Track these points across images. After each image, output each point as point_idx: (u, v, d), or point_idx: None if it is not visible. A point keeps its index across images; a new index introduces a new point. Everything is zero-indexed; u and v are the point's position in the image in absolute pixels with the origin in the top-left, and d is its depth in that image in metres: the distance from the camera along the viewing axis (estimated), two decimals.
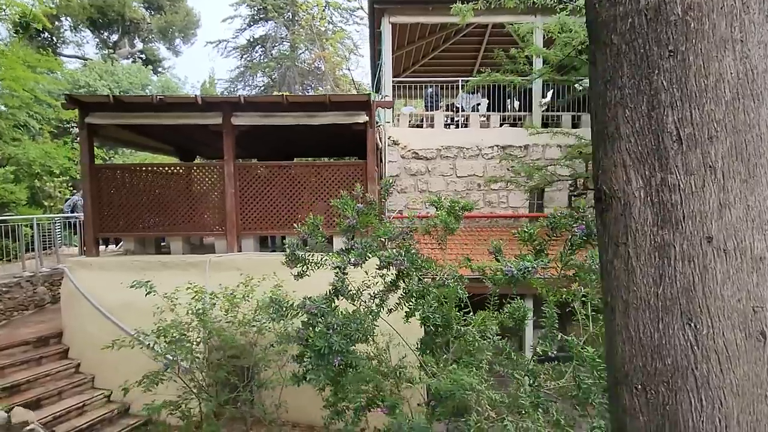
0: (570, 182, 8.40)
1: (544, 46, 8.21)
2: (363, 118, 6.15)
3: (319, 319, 1.97)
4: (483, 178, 8.49)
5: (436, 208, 3.84)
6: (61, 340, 6.03)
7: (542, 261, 2.13)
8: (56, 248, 8.20)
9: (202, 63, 44.04)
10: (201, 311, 4.24)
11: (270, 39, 21.71)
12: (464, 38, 12.61)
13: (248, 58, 22.60)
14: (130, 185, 6.37)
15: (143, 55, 23.96)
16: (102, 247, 6.93)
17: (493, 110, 9.03)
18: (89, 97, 5.99)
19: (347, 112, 6.14)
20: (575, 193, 8.54)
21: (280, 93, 21.00)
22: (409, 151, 8.48)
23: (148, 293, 4.25)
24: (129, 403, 5.53)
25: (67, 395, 5.29)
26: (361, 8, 23.07)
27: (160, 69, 23.63)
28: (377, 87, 13.43)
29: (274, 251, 7.10)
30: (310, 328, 1.94)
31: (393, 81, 8.64)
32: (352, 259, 2.51)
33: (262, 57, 22.47)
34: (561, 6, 6.02)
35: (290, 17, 22.53)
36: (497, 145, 8.49)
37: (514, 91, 8.93)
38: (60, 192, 11.13)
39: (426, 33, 11.56)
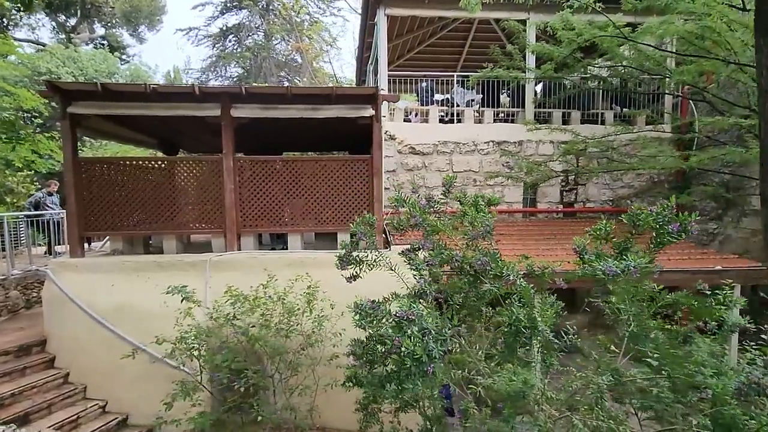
0: (561, 178, 8.61)
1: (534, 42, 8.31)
2: (369, 111, 6.00)
3: (411, 325, 1.86)
4: (479, 173, 8.55)
5: (461, 203, 3.77)
6: (45, 348, 5.57)
7: (638, 260, 2.12)
8: (29, 249, 7.56)
9: (171, 51, 41.90)
10: (232, 316, 3.92)
11: (244, 28, 20.91)
12: (450, 33, 12.63)
13: (221, 48, 21.68)
14: (119, 180, 5.93)
15: (105, 42, 22.51)
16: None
17: (486, 106, 9.10)
18: (74, 85, 5.51)
19: (353, 106, 5.97)
20: (566, 189, 8.76)
21: (280, 84, 20.36)
22: (406, 146, 8.40)
23: (185, 298, 3.92)
24: (127, 413, 5.19)
25: (57, 408, 4.89)
26: None
27: (123, 57, 22.27)
28: (365, 80, 13.24)
29: (273, 249, 6.85)
30: (404, 335, 1.82)
31: (388, 74, 8.49)
32: (428, 259, 2.38)
33: (235, 47, 21.61)
34: (567, 3, 6.07)
35: (264, 6, 21.78)
36: (493, 141, 8.56)
37: (507, 87, 9.04)
38: (24, 188, 10.26)
39: (414, 27, 11.48)
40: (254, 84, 18.29)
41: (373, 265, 2.73)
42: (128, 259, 5.78)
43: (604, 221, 2.18)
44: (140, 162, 6.10)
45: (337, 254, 2.96)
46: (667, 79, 8.10)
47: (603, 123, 8.96)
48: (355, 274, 2.84)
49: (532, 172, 7.58)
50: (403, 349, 1.75)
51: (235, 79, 22.11)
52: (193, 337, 3.84)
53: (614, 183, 8.84)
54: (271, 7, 22.03)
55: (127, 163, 6.06)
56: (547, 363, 2.30)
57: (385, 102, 6.92)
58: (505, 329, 2.18)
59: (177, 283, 5.56)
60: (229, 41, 21.62)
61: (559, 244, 6.57)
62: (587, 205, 8.83)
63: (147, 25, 24.82)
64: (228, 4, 20.98)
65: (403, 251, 2.68)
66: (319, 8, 22.35)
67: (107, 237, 7.50)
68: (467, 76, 9.04)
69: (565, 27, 6.31)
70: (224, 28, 21.28)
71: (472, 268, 2.32)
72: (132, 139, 7.74)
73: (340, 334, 3.56)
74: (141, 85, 5.46)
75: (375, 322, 1.94)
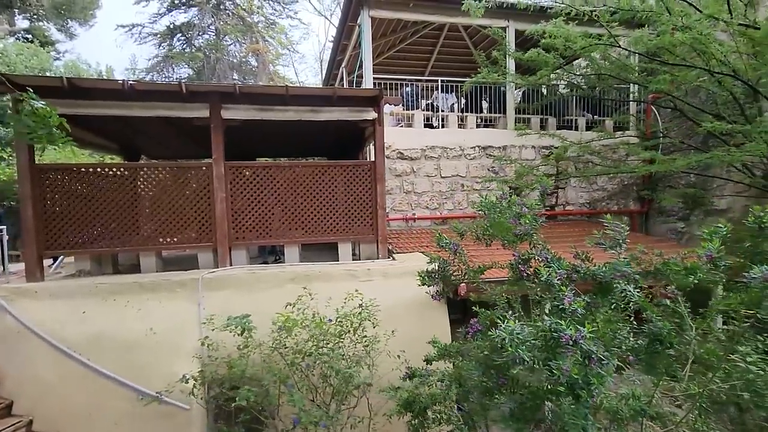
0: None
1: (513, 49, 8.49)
2: (371, 114, 5.73)
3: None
4: (466, 178, 8.53)
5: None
6: None
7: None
8: None
9: (109, 49, 38.34)
10: (280, 343, 3.33)
11: (194, 27, 19.62)
12: (420, 39, 12.65)
13: (168, 47, 20.18)
14: (86, 191, 5.15)
15: (29, 36, 20.09)
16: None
17: (469, 111, 9.14)
18: (36, 79, 4.70)
19: (355, 108, 5.67)
20: (548, 192, 8.98)
21: (273, 84, 19.03)
22: (394, 151, 8.19)
23: (244, 331, 3.31)
24: None
25: None
26: (297, 1, 22.07)
27: (53, 52, 19.99)
28: (334, 84, 12.86)
29: (265, 262, 6.32)
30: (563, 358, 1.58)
31: (374, 78, 8.25)
32: (561, 273, 2.13)
33: (185, 46, 20.22)
34: (567, 12, 6.22)
35: (216, 4, 20.64)
36: (478, 146, 8.59)
37: (488, 93, 9.15)
38: None
39: (388, 32, 11.35)
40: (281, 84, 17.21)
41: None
42: (102, 281, 5.00)
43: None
44: (113, 170, 5.33)
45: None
46: (635, 86, 8.63)
47: (576, 129, 9.34)
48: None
49: (523, 175, 7.67)
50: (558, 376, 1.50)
51: (183, 80, 20.64)
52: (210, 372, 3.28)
53: (590, 186, 9.22)
54: (222, 6, 20.92)
55: (98, 171, 5.27)
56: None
57: (396, 105, 6.68)
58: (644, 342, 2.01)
59: (163, 307, 4.99)
60: (178, 40, 20.19)
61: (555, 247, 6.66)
62: (567, 208, 9.13)
63: (79, 20, 22.58)
64: (175, 1, 19.60)
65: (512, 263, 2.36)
66: (275, 10, 21.60)
67: (61, 257, 6.55)
68: (451, 82, 9.05)
69: (554, 36, 6.45)
70: (172, 26, 19.83)
71: (596, 281, 2.15)
72: (90, 144, 6.81)
73: (399, 356, 3.23)
74: (117, 82, 4.78)
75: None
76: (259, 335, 3.79)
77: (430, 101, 9.43)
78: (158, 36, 19.87)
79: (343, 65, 11.67)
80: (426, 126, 8.77)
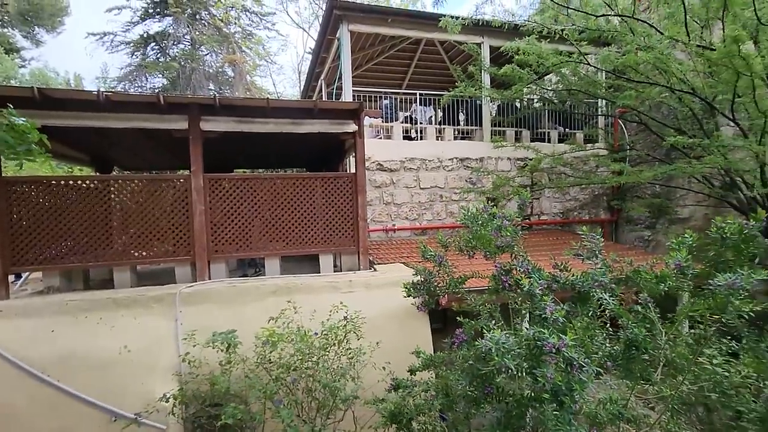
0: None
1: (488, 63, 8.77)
2: (352, 127, 5.79)
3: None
4: (445, 189, 8.69)
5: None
6: None
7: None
8: None
9: (79, 57, 37.14)
10: (266, 359, 3.25)
11: (169, 37, 19.32)
12: (397, 53, 12.88)
13: (141, 56, 19.76)
14: (56, 204, 4.97)
15: None
16: None
17: (446, 123, 9.35)
18: (4, 89, 4.55)
19: (335, 121, 5.72)
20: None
21: (250, 94, 18.65)
22: (374, 162, 8.26)
23: (230, 347, 3.22)
24: None
25: None
26: (275, 13, 22.08)
27: (18, 59, 19.27)
28: (312, 95, 12.90)
29: (245, 275, 6.22)
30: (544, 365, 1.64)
31: (353, 91, 8.34)
32: (542, 283, 2.20)
33: (159, 55, 19.85)
34: (539, 31, 6.51)
35: (192, 15, 20.43)
36: (456, 158, 8.78)
37: (465, 106, 9.40)
38: None
39: (366, 45, 11.51)
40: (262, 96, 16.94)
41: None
42: (73, 298, 4.81)
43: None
44: (85, 182, 5.17)
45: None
46: (603, 101, 9.05)
47: (549, 141, 9.68)
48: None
49: (499, 186, 7.88)
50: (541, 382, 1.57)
51: (158, 90, 20.23)
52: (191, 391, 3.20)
53: (564, 197, 9.54)
54: (198, 16, 20.72)
55: (70, 183, 5.10)
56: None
57: (377, 118, 6.77)
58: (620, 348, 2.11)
59: (138, 323, 4.84)
60: (152, 49, 19.82)
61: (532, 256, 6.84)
62: (542, 218, 9.40)
63: (46, 27, 21.89)
64: (150, 10, 19.28)
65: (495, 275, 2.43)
66: (252, 21, 21.55)
67: (27, 273, 6.28)
68: (429, 95, 9.25)
69: (527, 53, 6.73)
70: (145, 35, 19.46)
71: (575, 290, 2.24)
72: (63, 156, 6.59)
73: (384, 368, 3.23)
74: (91, 93, 4.68)
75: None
76: (242, 350, 3.73)
77: (408, 113, 9.59)
78: (131, 45, 19.45)
79: (322, 77, 11.74)
80: (405, 138, 8.91)
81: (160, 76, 20.00)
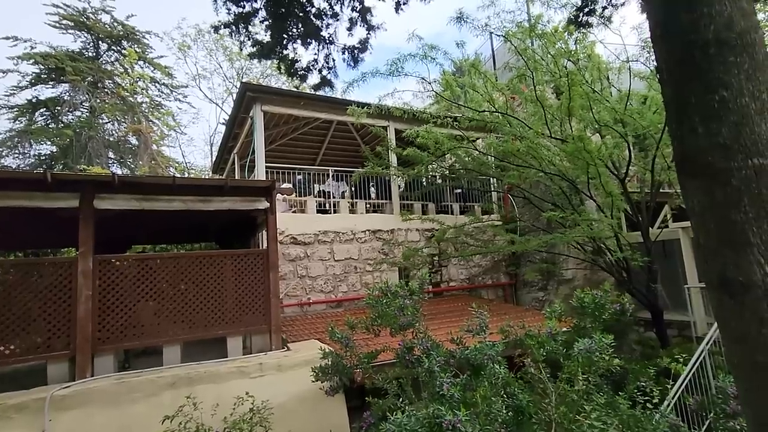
0: (428, 261, 9.66)
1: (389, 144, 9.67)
2: (264, 204, 5.84)
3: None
4: (359, 260, 8.90)
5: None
6: None
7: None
8: None
9: None
10: None
11: (65, 103, 18.01)
12: (311, 130, 13.53)
13: (27, 121, 17.96)
14: None
15: None
16: None
17: (358, 197, 9.84)
18: None
19: (247, 198, 5.74)
20: (433, 270, 9.81)
21: (107, 167, 17.02)
22: (288, 236, 8.27)
23: None
24: None
25: None
26: (186, 86, 22.03)
27: None
28: (224, 168, 12.76)
29: (125, 368, 5.52)
30: None
31: (266, 166, 8.50)
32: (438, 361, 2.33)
33: (49, 122, 18.23)
34: (434, 119, 7.45)
35: (92, 83, 19.49)
36: (369, 230, 9.16)
37: (375, 181, 10.05)
38: None
39: (281, 123, 11.96)
40: (82, 166, 15.53)
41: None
42: None
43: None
44: None
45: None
46: (493, 179, 10.36)
47: (452, 213, 10.64)
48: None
49: (408, 257, 8.32)
50: None
51: (44, 158, 18.28)
52: None
53: (468, 263, 10.33)
54: (100, 84, 19.82)
55: None
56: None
57: (290, 195, 6.87)
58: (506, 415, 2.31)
59: None
60: (41, 115, 18.17)
61: (442, 324, 7.17)
62: (450, 284, 9.99)
63: None
64: (43, 76, 17.99)
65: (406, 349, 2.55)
66: (162, 93, 21.19)
67: None
68: (341, 171, 9.76)
69: (425, 138, 7.64)
70: (34, 101, 17.90)
71: (470, 363, 2.43)
72: None
73: None
74: None
75: None
76: None
77: (322, 187, 9.93)
78: (15, 109, 17.69)
79: (235, 151, 11.78)
80: (319, 211, 9.13)
81: (49, 143, 18.23)
